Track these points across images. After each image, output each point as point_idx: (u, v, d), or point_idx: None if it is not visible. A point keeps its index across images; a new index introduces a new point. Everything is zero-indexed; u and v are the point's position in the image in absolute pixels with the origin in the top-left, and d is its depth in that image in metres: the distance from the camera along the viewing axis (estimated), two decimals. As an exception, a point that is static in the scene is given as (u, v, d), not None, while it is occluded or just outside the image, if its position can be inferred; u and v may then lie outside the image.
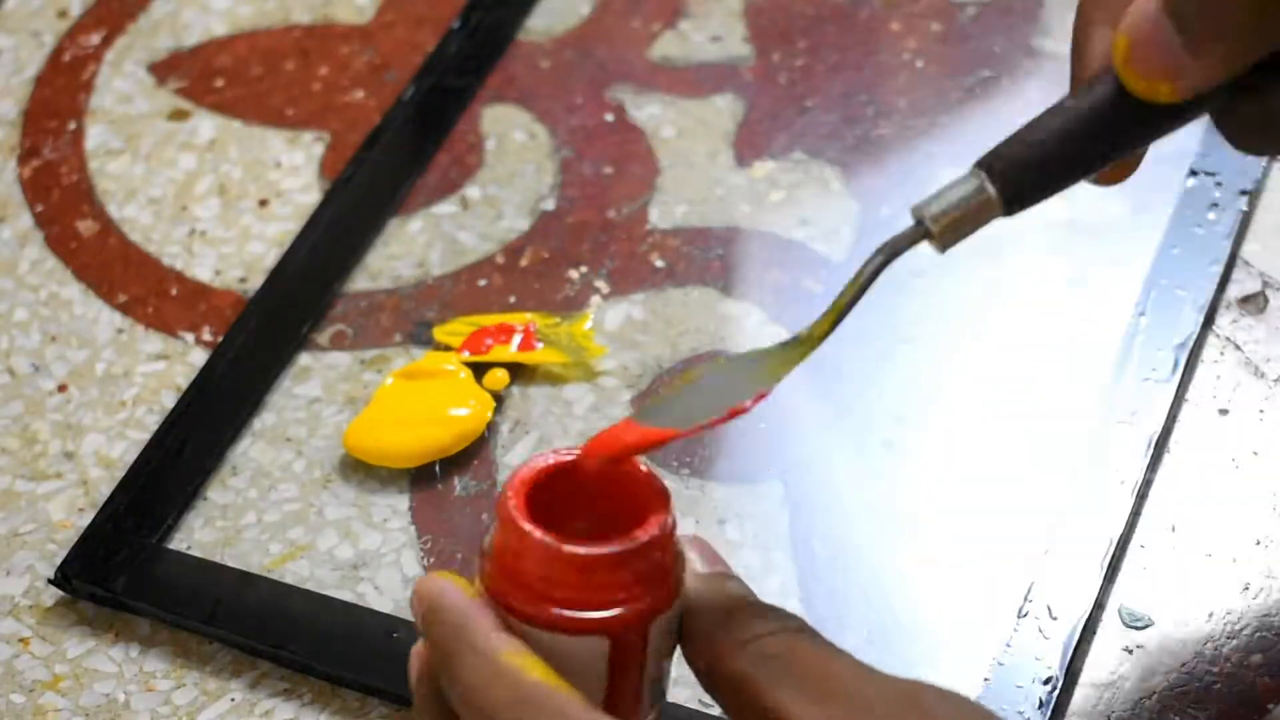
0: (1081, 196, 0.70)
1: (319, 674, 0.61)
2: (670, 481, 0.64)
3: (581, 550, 0.47)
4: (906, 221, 0.49)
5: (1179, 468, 0.63)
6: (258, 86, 0.78)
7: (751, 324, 0.68)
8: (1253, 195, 0.69)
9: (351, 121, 0.76)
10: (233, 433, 0.67)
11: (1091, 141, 0.51)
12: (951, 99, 0.73)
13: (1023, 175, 0.51)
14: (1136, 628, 0.59)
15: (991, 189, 0.50)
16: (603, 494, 0.49)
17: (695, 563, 0.50)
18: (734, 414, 0.50)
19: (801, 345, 0.50)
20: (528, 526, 0.47)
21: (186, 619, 0.62)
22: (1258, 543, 0.61)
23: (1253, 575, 0.61)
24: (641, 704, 0.50)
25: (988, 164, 0.50)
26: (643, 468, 0.49)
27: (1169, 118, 0.50)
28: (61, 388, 0.69)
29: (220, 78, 0.78)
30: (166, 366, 0.69)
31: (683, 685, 0.59)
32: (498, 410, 0.66)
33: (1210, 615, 0.59)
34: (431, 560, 0.63)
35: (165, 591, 0.63)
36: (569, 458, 0.49)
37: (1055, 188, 0.51)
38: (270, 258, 0.72)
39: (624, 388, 0.67)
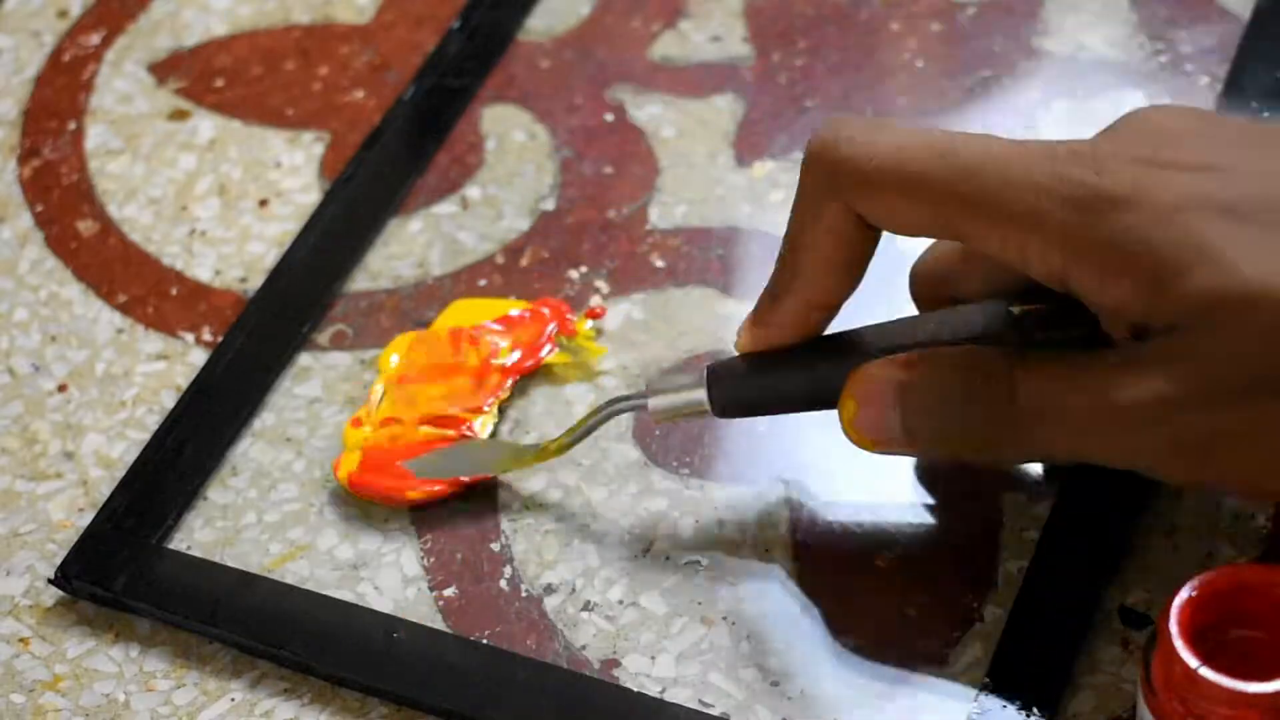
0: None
1: (319, 674, 0.61)
2: (670, 482, 0.64)
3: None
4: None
5: (1179, 468, 0.63)
6: (258, 86, 0.78)
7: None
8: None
9: (351, 121, 0.76)
10: (233, 433, 0.67)
11: (798, 405, 0.59)
12: (951, 99, 0.73)
13: (736, 402, 0.60)
14: (1136, 627, 0.59)
15: (707, 402, 0.60)
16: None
17: None
18: (453, 484, 0.64)
19: (537, 454, 0.63)
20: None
21: (186, 619, 0.62)
22: (1258, 544, 0.61)
23: (1253, 575, 0.60)
24: None
25: (713, 377, 0.59)
26: None
27: None
28: (61, 388, 0.69)
29: (220, 78, 0.78)
30: (166, 366, 0.69)
31: (682, 685, 0.59)
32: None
33: (1210, 615, 0.59)
34: (431, 560, 0.63)
35: (165, 591, 0.63)
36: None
37: (764, 414, 0.60)
38: (270, 258, 0.72)
39: (624, 388, 0.67)
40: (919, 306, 0.61)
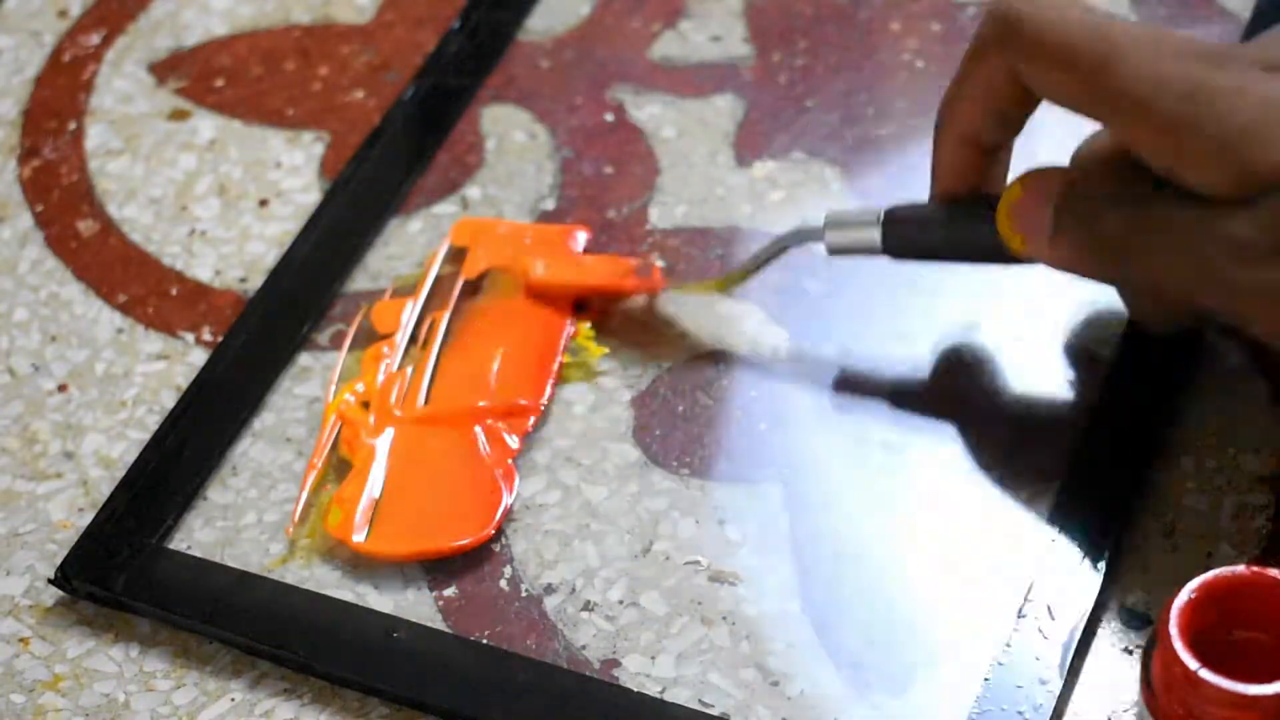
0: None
1: (319, 674, 0.61)
2: (670, 481, 0.64)
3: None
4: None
5: (1179, 467, 0.63)
6: (258, 86, 0.78)
7: (752, 324, 0.68)
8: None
9: (351, 121, 0.76)
10: (233, 433, 0.67)
11: (963, 246, 0.63)
12: (951, 99, 0.73)
13: (904, 244, 0.63)
14: (1136, 628, 0.59)
15: (878, 238, 0.63)
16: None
17: None
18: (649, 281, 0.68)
19: (719, 283, 0.68)
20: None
21: (186, 619, 0.62)
22: (1258, 544, 0.61)
23: (1253, 575, 0.60)
24: None
25: (889, 215, 0.63)
26: None
27: (1020, 261, 0.62)
28: (61, 388, 0.69)
29: (220, 78, 0.78)
30: (166, 366, 0.69)
31: (682, 685, 0.59)
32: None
33: (1210, 615, 0.59)
34: (431, 560, 0.63)
35: (165, 591, 0.63)
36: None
37: (929, 260, 0.64)
38: (270, 258, 0.72)
39: (624, 388, 0.67)
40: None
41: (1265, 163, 0.55)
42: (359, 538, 0.63)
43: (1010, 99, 0.61)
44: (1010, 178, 0.62)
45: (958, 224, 0.63)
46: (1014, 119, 0.62)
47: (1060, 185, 0.60)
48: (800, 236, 0.65)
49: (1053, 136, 0.72)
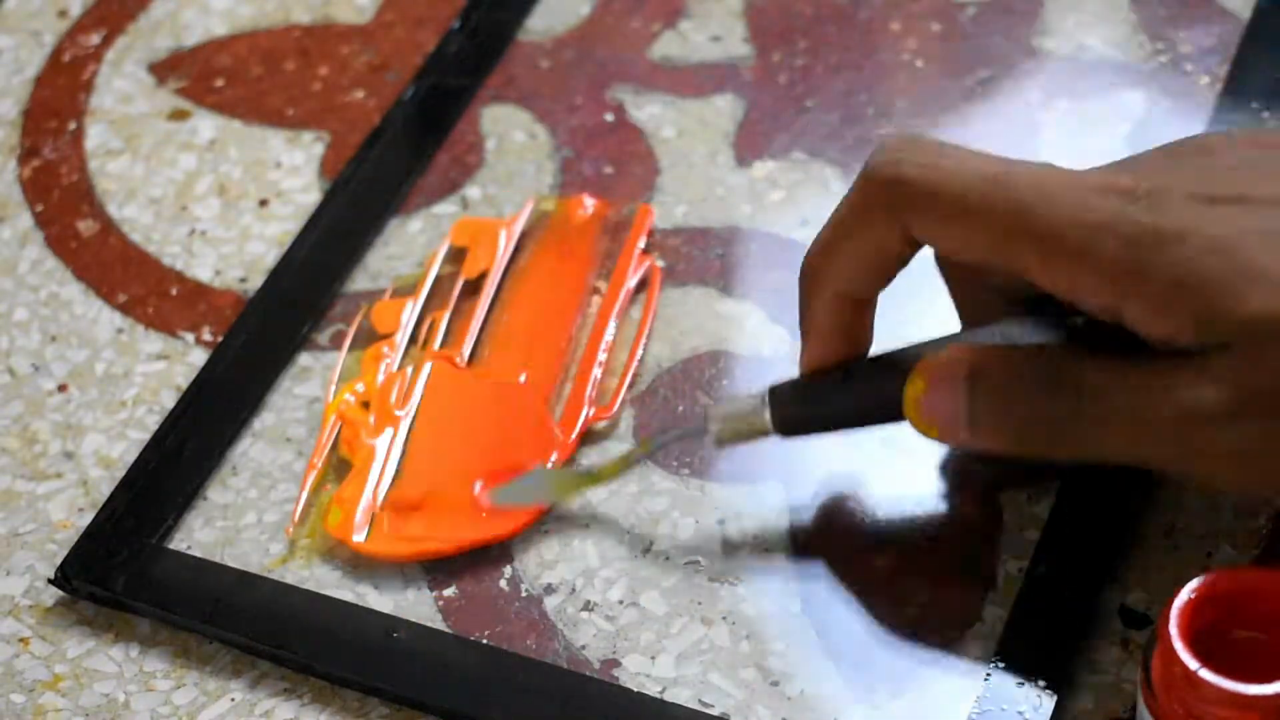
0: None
1: (319, 674, 0.61)
2: (669, 482, 0.64)
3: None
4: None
5: (1179, 468, 0.63)
6: (258, 86, 0.78)
7: (752, 324, 0.68)
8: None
9: (351, 121, 0.76)
10: (233, 433, 0.67)
11: (860, 419, 0.60)
12: (951, 99, 0.73)
13: (796, 423, 0.60)
14: (1136, 628, 0.59)
15: (769, 421, 0.60)
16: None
17: None
18: (518, 523, 0.63)
19: (590, 479, 0.63)
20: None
21: (186, 619, 0.62)
22: (1258, 544, 0.61)
23: (1253, 575, 0.60)
24: None
25: (774, 398, 0.60)
26: None
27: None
28: (61, 388, 0.69)
29: (220, 78, 0.78)
30: (166, 366, 0.69)
31: (683, 685, 0.59)
32: (498, 410, 0.66)
33: (1210, 615, 0.59)
34: (431, 560, 0.63)
35: (165, 591, 0.63)
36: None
37: (826, 431, 0.60)
38: (270, 258, 0.72)
39: (624, 387, 0.67)
40: (954, 292, 0.61)
41: (1224, 316, 0.51)
42: (359, 538, 0.63)
43: (899, 256, 0.57)
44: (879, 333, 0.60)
45: (854, 395, 0.59)
46: (894, 271, 0.58)
47: (966, 372, 0.56)
48: (678, 436, 0.63)
49: (1052, 136, 0.72)
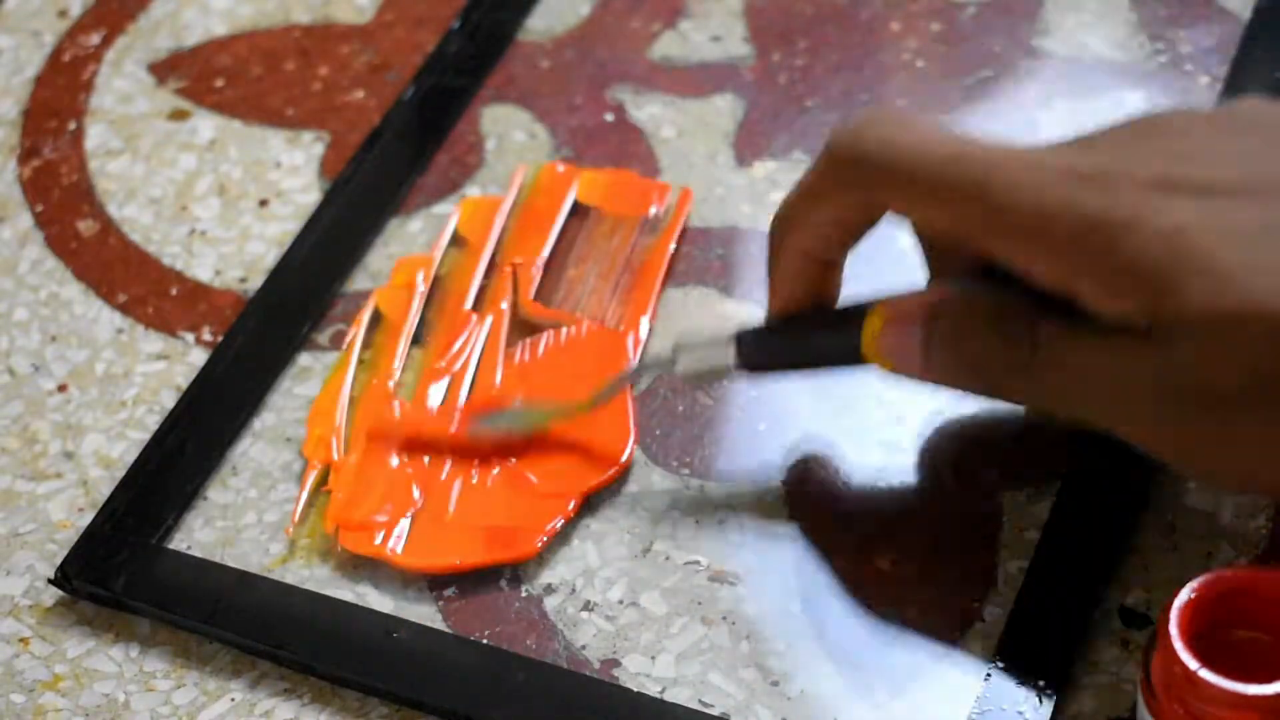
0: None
1: (319, 674, 0.61)
2: (669, 481, 0.64)
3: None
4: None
5: (1179, 468, 0.63)
6: (258, 86, 0.78)
7: (752, 324, 0.68)
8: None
9: (351, 121, 0.76)
10: (233, 433, 0.67)
11: (820, 359, 0.61)
12: (951, 99, 0.73)
13: (760, 361, 0.62)
14: (1136, 628, 0.59)
15: (733, 359, 0.61)
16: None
17: None
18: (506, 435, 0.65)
19: (564, 413, 0.64)
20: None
21: (186, 619, 0.62)
22: (1258, 544, 0.61)
23: (1253, 575, 0.60)
24: None
25: (741, 335, 0.61)
26: None
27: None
28: (61, 388, 0.69)
29: (220, 78, 0.78)
30: (166, 366, 0.69)
31: (683, 685, 0.59)
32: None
33: (1210, 615, 0.59)
34: (431, 560, 0.63)
35: (165, 591, 0.63)
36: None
37: (787, 373, 0.63)
38: (270, 258, 0.72)
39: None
40: (925, 253, 0.61)
41: (1171, 305, 0.52)
42: (359, 541, 0.63)
43: (863, 223, 0.58)
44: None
45: (816, 336, 0.61)
46: (861, 234, 0.59)
47: (924, 314, 0.58)
48: (647, 368, 0.64)
49: (1052, 136, 0.72)
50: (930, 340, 0.58)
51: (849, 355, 0.60)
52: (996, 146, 0.55)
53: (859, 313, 0.59)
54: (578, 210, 0.71)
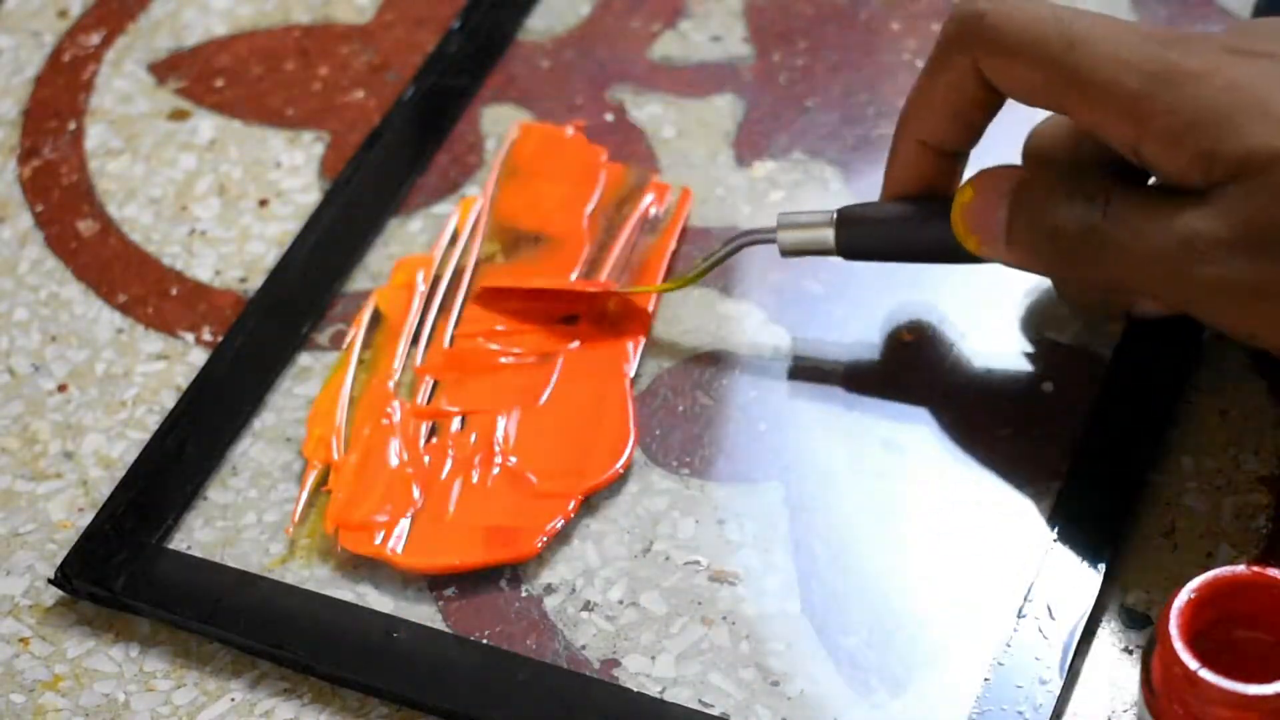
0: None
1: (319, 674, 0.61)
2: (669, 481, 0.64)
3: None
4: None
5: (1179, 467, 0.63)
6: (258, 86, 0.78)
7: (752, 324, 0.68)
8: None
9: (351, 121, 0.76)
10: (233, 433, 0.67)
11: (918, 246, 0.63)
12: (951, 99, 0.73)
13: (858, 244, 0.64)
14: (1136, 628, 0.59)
15: (831, 238, 0.63)
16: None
17: None
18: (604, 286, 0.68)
19: (665, 286, 0.68)
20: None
21: (186, 619, 0.62)
22: (1258, 544, 0.61)
23: (1253, 575, 0.60)
24: None
25: (842, 215, 0.63)
26: None
27: (977, 260, 0.62)
28: (61, 388, 0.69)
29: (220, 78, 0.78)
30: (166, 366, 0.69)
31: (682, 685, 0.59)
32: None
33: (1210, 615, 0.59)
34: (431, 560, 0.63)
35: (165, 591, 0.63)
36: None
37: (883, 260, 0.64)
38: (270, 258, 0.72)
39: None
40: None
41: (1228, 150, 0.55)
42: (359, 542, 0.63)
43: (974, 101, 0.61)
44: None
45: (913, 223, 0.63)
46: (976, 123, 0.62)
47: (1012, 185, 0.61)
48: (752, 237, 0.65)
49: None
50: (1015, 209, 0.60)
51: (943, 245, 0.62)
52: (1099, 15, 0.59)
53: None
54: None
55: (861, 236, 0.63)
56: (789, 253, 0.65)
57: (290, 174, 0.75)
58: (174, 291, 0.71)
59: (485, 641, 0.61)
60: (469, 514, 0.63)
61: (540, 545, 0.62)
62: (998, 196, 0.61)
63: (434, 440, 0.65)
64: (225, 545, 0.64)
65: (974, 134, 0.63)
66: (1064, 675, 0.58)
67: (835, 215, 0.64)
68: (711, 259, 0.66)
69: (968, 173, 0.63)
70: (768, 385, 0.66)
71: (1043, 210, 0.60)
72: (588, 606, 0.61)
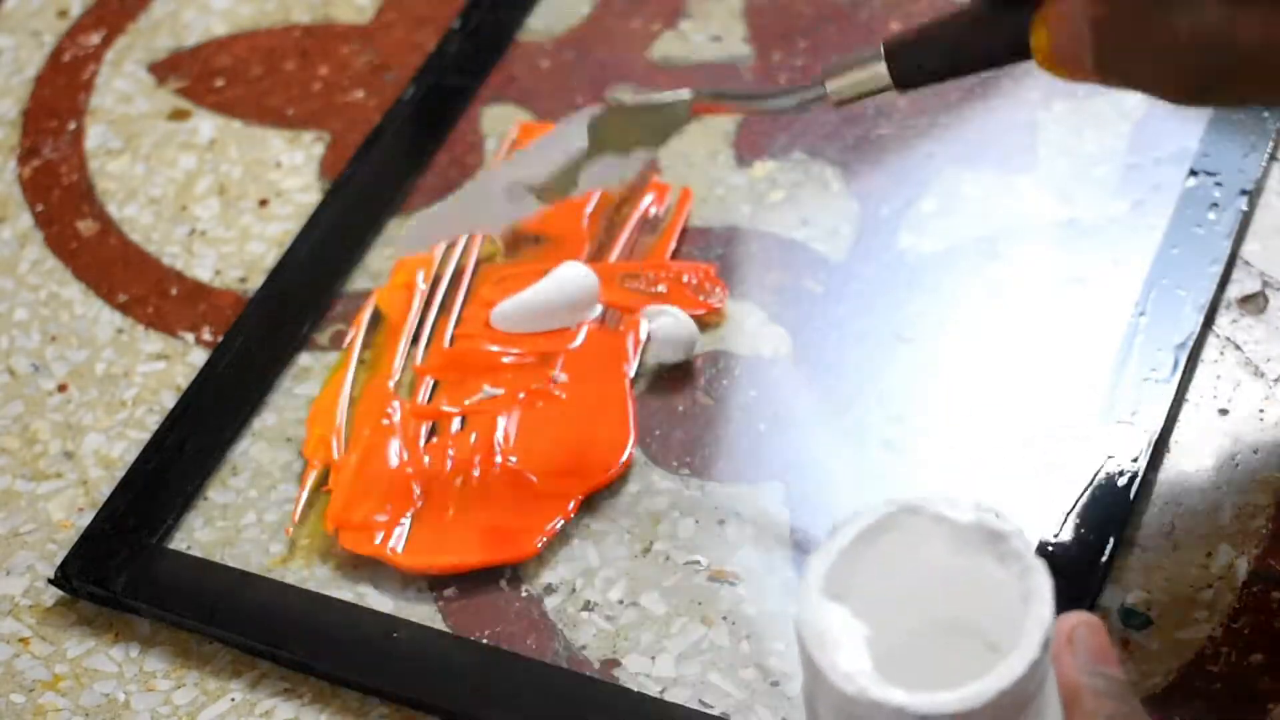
0: (1081, 196, 0.70)
1: (319, 674, 0.61)
2: (669, 482, 0.64)
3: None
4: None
5: (1179, 467, 0.63)
6: (258, 86, 0.78)
7: (752, 324, 0.68)
8: (1253, 195, 0.69)
9: (351, 121, 0.76)
10: (233, 433, 0.67)
11: (980, 51, 0.58)
12: (951, 99, 0.73)
13: (914, 70, 0.58)
14: (1136, 627, 0.59)
15: (886, 73, 0.58)
16: None
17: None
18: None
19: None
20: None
21: (186, 619, 0.62)
22: (1258, 544, 0.61)
23: (1253, 575, 0.61)
24: None
25: (890, 47, 0.58)
26: None
27: (1030, 57, 0.57)
28: (61, 388, 0.69)
29: (220, 78, 0.78)
30: (166, 366, 0.69)
31: (682, 685, 0.59)
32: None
33: (1210, 615, 0.59)
34: (431, 560, 0.63)
35: (165, 591, 0.63)
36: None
37: (941, 79, 0.59)
38: (270, 258, 0.72)
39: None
40: None
41: None
42: (360, 542, 0.63)
43: None
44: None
45: (969, 28, 0.58)
46: None
47: (1090, 14, 0.55)
48: (800, 97, 0.61)
49: (1052, 136, 0.72)
50: (1101, 57, 0.55)
51: (1008, 45, 0.57)
52: None
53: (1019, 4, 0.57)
54: None
55: (917, 60, 0.59)
56: (843, 101, 0.60)
57: (290, 174, 0.75)
58: (174, 291, 0.71)
59: (485, 641, 0.61)
60: (469, 514, 0.63)
61: (540, 545, 0.62)
62: (1075, 29, 0.55)
63: (434, 440, 0.65)
64: (225, 545, 0.64)
65: None
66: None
67: (882, 48, 0.59)
68: (784, 103, 0.61)
69: None
70: (768, 385, 0.66)
71: (1145, 22, 0.55)
72: (588, 606, 0.61)
